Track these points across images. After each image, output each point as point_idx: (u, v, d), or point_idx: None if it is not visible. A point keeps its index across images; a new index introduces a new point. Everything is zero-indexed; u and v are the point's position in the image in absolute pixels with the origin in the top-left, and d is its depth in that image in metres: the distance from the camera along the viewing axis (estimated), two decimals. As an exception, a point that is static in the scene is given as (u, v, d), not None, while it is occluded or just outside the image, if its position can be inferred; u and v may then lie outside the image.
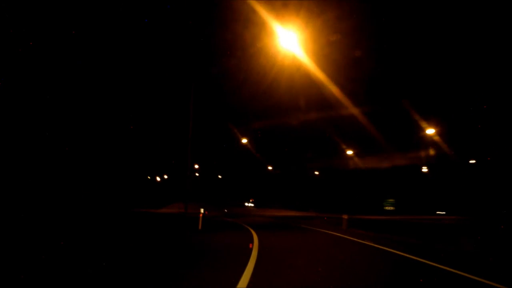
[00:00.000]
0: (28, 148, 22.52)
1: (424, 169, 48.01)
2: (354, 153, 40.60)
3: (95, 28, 17.96)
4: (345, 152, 40.56)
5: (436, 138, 28.96)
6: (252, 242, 11.50)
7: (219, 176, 75.19)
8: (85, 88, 23.56)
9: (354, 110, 25.27)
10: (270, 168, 58.68)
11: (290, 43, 12.08)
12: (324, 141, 41.02)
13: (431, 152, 37.37)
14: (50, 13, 16.59)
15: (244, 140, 37.12)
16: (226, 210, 56.73)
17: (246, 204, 70.59)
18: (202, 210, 58.27)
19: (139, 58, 22.53)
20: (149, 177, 72.05)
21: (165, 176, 66.66)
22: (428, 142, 31.34)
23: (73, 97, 23.69)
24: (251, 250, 9.54)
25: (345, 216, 21.76)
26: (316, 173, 60.02)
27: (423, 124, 25.77)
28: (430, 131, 26.15)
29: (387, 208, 51.91)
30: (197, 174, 69.45)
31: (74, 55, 19.51)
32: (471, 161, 41.77)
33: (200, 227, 17.17)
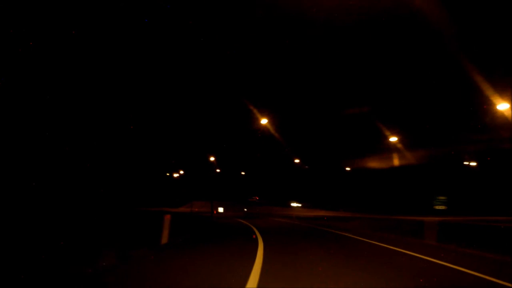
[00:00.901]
0: (31, 148, 22.50)
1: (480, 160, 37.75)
2: (398, 141, 30.84)
3: (95, 28, 17.96)
4: (386, 140, 31.01)
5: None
6: None
7: (242, 173, 68.91)
8: (86, 88, 23.55)
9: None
10: (297, 161, 51.53)
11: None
12: (361, 129, 33.96)
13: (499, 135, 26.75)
14: (50, 13, 16.58)
15: (264, 121, 30.75)
16: (245, 209, 53.46)
17: (293, 204, 61.98)
18: (221, 210, 56.32)
19: (139, 58, 22.52)
20: (167, 174, 67.66)
21: (181, 172, 62.93)
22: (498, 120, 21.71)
23: (76, 97, 23.68)
24: None
25: (432, 220, 13.45)
26: (348, 169, 52.79)
27: (494, 97, 17.84)
28: (503, 106, 17.27)
29: (437, 207, 42.82)
30: (218, 170, 64.16)
31: (74, 55, 19.51)
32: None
33: (164, 239, 10.58)
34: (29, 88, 19.33)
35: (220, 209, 51.42)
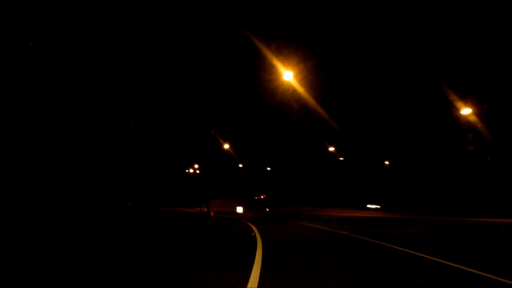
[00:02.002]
0: (31, 148, 22.52)
1: None
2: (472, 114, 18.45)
3: (95, 28, 17.97)
4: (456, 113, 19.43)
5: None
6: None
7: (268, 168, 57.75)
8: (87, 88, 23.56)
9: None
10: (331, 150, 41.24)
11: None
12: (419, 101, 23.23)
13: None
14: (50, 13, 16.58)
15: (288, 75, 23.81)
16: (268, 209, 46.75)
17: (370, 206, 50.03)
18: (240, 210, 49.27)
19: (139, 58, 22.54)
20: (187, 171, 61.65)
21: (196, 166, 55.86)
22: None
23: (79, 97, 23.66)
24: None
25: None
26: (387, 162, 43.78)
27: None
28: None
29: None
30: (240, 166, 55.39)
31: (74, 55, 19.52)
32: None
33: None
34: (29, 88, 19.34)
35: (239, 209, 47.01)
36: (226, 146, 31.06)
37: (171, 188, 56.02)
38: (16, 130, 19.92)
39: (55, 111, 22.37)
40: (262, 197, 60.67)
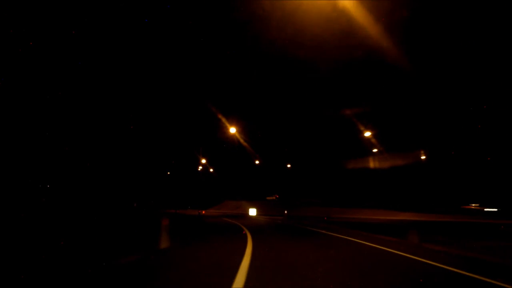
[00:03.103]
0: (31, 147, 22.50)
1: None
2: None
3: (95, 28, 17.97)
4: None
5: None
6: None
7: (288, 166, 50.49)
8: (87, 88, 23.55)
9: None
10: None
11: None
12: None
13: None
14: (50, 13, 16.57)
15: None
16: (286, 212, 41.44)
17: (488, 209, 37.94)
18: (253, 212, 43.50)
19: (139, 58, 22.54)
20: (198, 169, 59.13)
21: (203, 161, 52.37)
22: None
23: (80, 97, 23.62)
24: None
25: None
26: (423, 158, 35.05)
27: None
28: None
29: None
30: (257, 162, 49.58)
31: (74, 55, 19.51)
32: None
33: None
34: (29, 88, 19.34)
35: (252, 212, 43.14)
36: (233, 130, 26.33)
37: (180, 189, 54.66)
38: (16, 130, 19.91)
39: (55, 111, 22.36)
40: (274, 197, 55.90)
